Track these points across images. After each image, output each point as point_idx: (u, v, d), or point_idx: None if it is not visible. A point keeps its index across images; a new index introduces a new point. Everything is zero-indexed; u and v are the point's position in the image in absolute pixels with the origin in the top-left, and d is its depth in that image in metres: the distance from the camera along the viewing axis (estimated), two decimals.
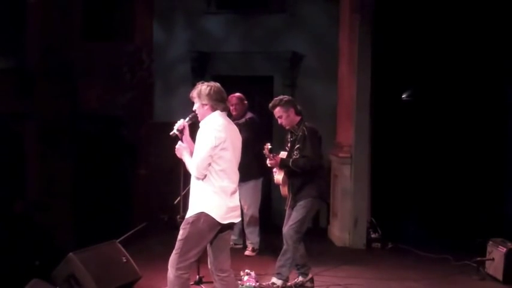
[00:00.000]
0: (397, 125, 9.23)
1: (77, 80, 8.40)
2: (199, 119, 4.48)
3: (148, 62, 9.43)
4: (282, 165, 5.61)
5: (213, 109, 4.41)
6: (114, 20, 9.29)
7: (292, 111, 5.66)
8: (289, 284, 5.74)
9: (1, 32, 7.60)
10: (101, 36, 9.04)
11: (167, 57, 9.51)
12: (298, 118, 5.69)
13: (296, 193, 5.64)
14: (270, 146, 5.57)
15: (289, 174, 5.64)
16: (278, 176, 5.68)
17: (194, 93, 4.45)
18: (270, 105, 5.71)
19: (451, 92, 9.13)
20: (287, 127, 5.73)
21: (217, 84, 4.49)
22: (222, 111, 4.44)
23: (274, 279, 5.67)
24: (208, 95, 4.39)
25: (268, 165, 5.69)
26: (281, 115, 5.65)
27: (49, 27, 7.82)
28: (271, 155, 5.58)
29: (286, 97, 5.79)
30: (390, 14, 8.25)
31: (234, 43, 9.34)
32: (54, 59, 7.82)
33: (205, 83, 4.48)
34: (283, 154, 5.71)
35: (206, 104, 4.40)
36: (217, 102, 4.41)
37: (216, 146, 4.27)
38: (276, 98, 5.76)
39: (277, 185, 5.80)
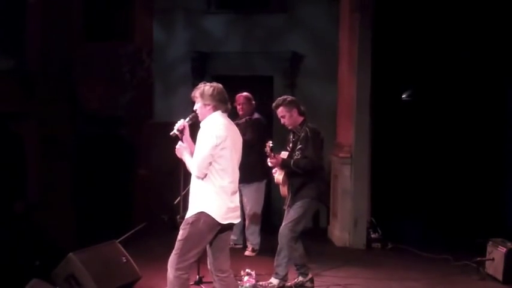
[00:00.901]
0: (397, 125, 9.24)
1: (77, 80, 8.40)
2: (199, 118, 4.49)
3: (148, 62, 9.43)
4: (283, 165, 5.60)
5: (215, 109, 4.42)
6: (114, 20, 9.29)
7: (295, 111, 5.64)
8: (289, 284, 5.75)
9: (1, 32, 7.60)
10: (101, 36, 9.05)
11: (167, 57, 9.51)
12: (301, 118, 5.68)
13: (295, 193, 5.64)
14: (271, 144, 5.56)
15: (289, 174, 5.64)
16: (278, 176, 5.68)
17: (197, 93, 4.46)
18: (274, 104, 5.71)
19: (451, 92, 9.14)
20: (289, 127, 5.72)
21: (220, 85, 4.50)
22: (223, 112, 4.45)
23: (271, 279, 5.73)
24: (212, 95, 4.40)
25: (269, 164, 5.69)
26: (284, 115, 5.64)
27: (49, 27, 7.80)
28: (272, 154, 5.58)
29: (289, 97, 5.77)
30: (390, 14, 8.26)
31: (234, 43, 9.34)
32: (54, 59, 7.81)
33: (208, 84, 4.49)
34: (284, 154, 5.70)
35: (209, 104, 4.41)
36: (220, 103, 4.42)
37: (217, 145, 4.28)
38: (279, 98, 5.75)
39: (277, 185, 5.80)
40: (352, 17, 7.82)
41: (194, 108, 4.52)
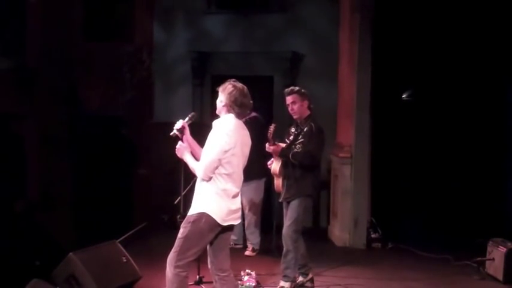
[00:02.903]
0: (397, 125, 9.23)
1: (77, 80, 8.40)
2: (217, 112, 4.44)
3: (148, 62, 9.43)
4: (282, 154, 5.60)
5: (228, 111, 4.38)
6: (114, 20, 9.28)
7: (306, 103, 5.70)
8: None
9: (1, 32, 7.60)
10: (101, 36, 9.03)
11: (167, 57, 9.52)
12: (308, 112, 5.73)
13: (290, 187, 5.62)
14: (274, 125, 5.57)
15: (285, 166, 5.63)
16: (275, 167, 5.68)
17: (220, 87, 4.41)
18: (288, 90, 5.76)
19: (451, 91, 9.14)
20: (295, 116, 5.72)
21: (242, 90, 4.38)
22: (236, 116, 4.38)
23: (282, 283, 5.58)
24: (229, 94, 4.34)
25: (267, 150, 5.68)
26: (295, 101, 5.66)
27: (49, 27, 7.81)
28: (273, 141, 5.59)
29: (303, 89, 5.81)
30: (390, 14, 8.26)
31: (234, 43, 9.34)
32: (54, 59, 7.81)
33: (235, 84, 4.40)
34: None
35: (222, 102, 4.38)
36: (233, 105, 4.34)
37: (226, 151, 4.24)
38: (294, 87, 5.84)
39: (273, 176, 5.79)
40: (353, 17, 7.81)
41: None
